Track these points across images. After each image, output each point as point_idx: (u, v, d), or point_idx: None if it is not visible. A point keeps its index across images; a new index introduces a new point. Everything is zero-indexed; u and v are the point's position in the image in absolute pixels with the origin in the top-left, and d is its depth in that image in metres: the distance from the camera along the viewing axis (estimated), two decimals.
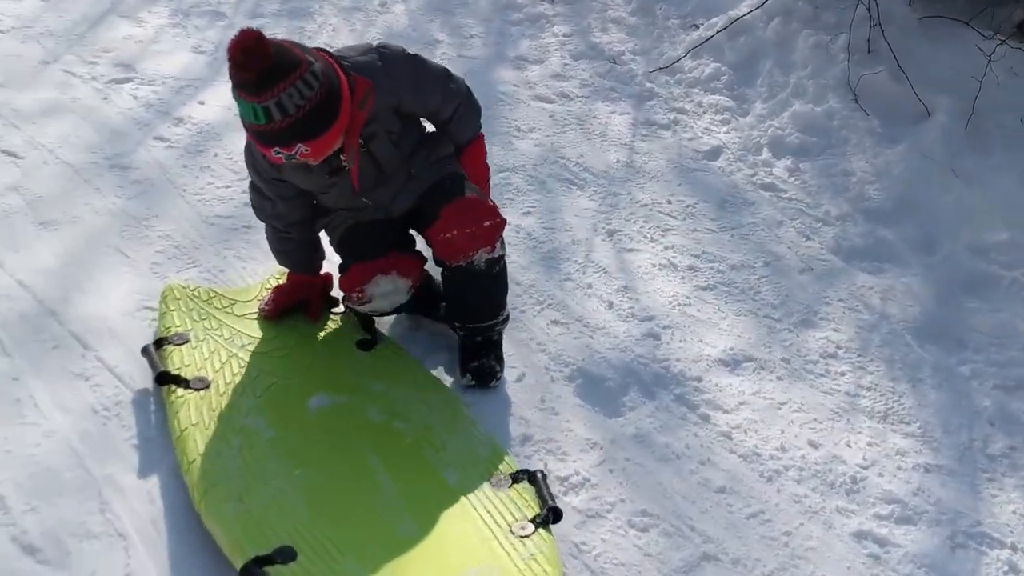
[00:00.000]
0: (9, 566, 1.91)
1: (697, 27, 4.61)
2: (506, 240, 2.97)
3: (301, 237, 2.51)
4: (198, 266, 2.82)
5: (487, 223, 2.39)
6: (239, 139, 3.51)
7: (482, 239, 2.38)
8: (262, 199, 2.44)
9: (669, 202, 3.42)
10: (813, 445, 2.47)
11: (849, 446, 2.49)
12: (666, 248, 3.18)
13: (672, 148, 3.77)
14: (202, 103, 3.70)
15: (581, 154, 3.65)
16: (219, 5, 4.47)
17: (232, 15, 4.40)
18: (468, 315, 2.48)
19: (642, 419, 2.48)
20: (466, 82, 2.50)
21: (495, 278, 2.46)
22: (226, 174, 3.27)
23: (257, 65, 1.96)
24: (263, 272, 2.78)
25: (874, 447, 2.49)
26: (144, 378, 2.37)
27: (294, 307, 2.57)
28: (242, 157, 3.30)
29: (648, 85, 4.16)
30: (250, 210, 2.98)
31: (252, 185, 2.46)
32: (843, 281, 3.12)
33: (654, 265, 3.08)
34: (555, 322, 2.76)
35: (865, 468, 2.43)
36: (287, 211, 2.44)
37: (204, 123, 3.56)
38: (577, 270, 3.00)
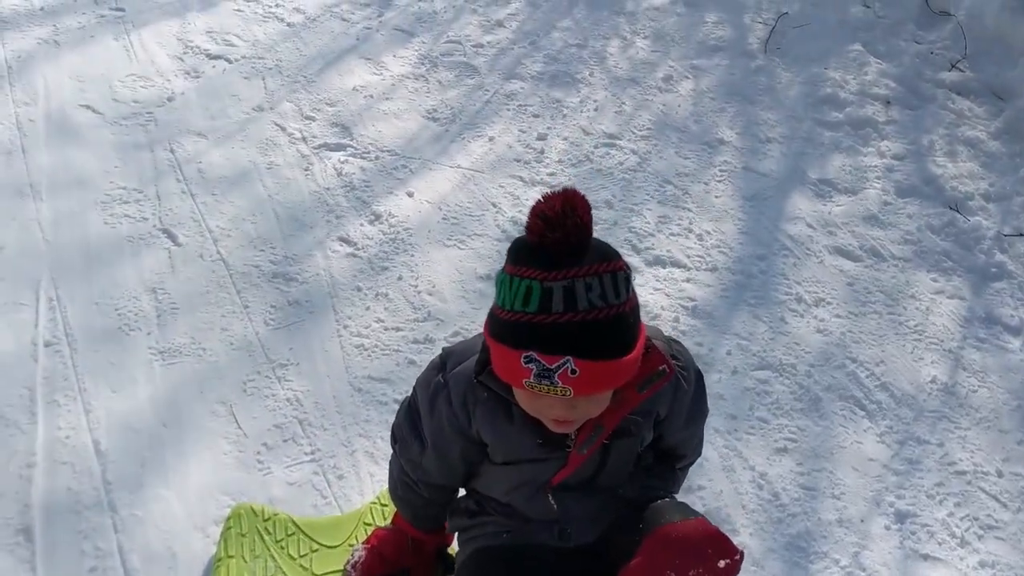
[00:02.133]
0: None
1: None
2: (741, 503, 2.07)
3: (432, 498, 1.73)
4: (315, 460, 2.12)
5: (723, 563, 1.48)
6: (436, 261, 2.78)
7: None
8: (412, 435, 1.64)
9: (1000, 474, 2.32)
10: None
11: None
12: (982, 564, 2.10)
13: (1019, 372, 2.63)
14: (411, 194, 3.01)
15: (881, 359, 2.61)
16: (474, 56, 3.78)
17: (486, 73, 3.70)
18: None
19: None
20: None
21: None
22: (403, 309, 2.56)
23: (566, 227, 1.31)
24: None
25: None
26: None
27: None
28: (428, 288, 2.63)
29: (998, 256, 3.00)
30: (410, 377, 2.28)
31: (410, 407, 1.66)
32: None
33: None
34: None
35: None
36: (432, 468, 1.65)
37: (403, 226, 2.87)
38: None
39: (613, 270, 1.34)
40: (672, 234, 2.97)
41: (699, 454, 1.80)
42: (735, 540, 2.02)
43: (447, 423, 1.56)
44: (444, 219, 2.93)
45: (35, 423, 2.11)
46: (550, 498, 1.58)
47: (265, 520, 1.91)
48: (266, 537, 1.88)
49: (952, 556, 2.11)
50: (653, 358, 1.46)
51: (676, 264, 2.84)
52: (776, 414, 2.39)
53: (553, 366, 1.31)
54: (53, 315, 2.40)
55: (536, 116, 3.48)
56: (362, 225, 2.87)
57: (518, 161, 3.23)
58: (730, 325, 2.64)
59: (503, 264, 1.37)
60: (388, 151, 3.21)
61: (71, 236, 2.66)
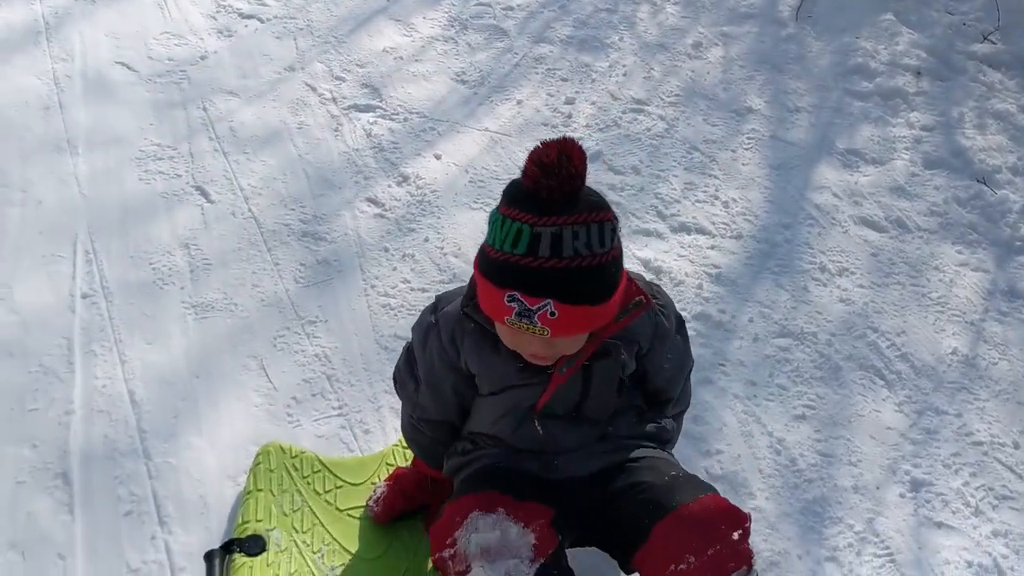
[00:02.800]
0: None
1: None
2: (758, 468, 2.12)
3: (435, 436, 1.81)
4: (343, 415, 2.18)
5: (735, 534, 1.52)
6: (462, 223, 2.80)
7: (734, 557, 1.51)
8: (408, 375, 1.75)
9: (1017, 446, 2.34)
10: None
11: None
12: (995, 533, 2.13)
13: None
14: (438, 157, 3.05)
15: (903, 329, 2.63)
16: (503, 19, 3.78)
17: (515, 36, 3.70)
18: None
19: None
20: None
21: None
22: (429, 270, 2.61)
23: (560, 175, 1.39)
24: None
25: None
26: None
27: (412, 511, 1.92)
28: (454, 251, 2.67)
29: None
30: None
31: (408, 350, 1.77)
32: None
33: (970, 564, 2.06)
34: None
35: None
36: (428, 404, 1.75)
37: (430, 188, 2.91)
38: (849, 544, 2.05)
39: (601, 220, 1.42)
40: (698, 201, 2.98)
41: (688, 403, 1.87)
42: (750, 504, 2.09)
43: (438, 358, 1.65)
44: (471, 182, 2.96)
45: (73, 372, 2.18)
46: (536, 424, 1.63)
47: (293, 457, 1.98)
48: (293, 473, 1.95)
49: (966, 525, 2.14)
50: (630, 289, 1.55)
51: (701, 231, 2.86)
52: (796, 381, 2.42)
53: (534, 307, 1.40)
54: (90, 268, 2.46)
55: (565, 80, 3.49)
56: (390, 187, 2.90)
57: (546, 125, 3.25)
58: (753, 293, 2.67)
59: (498, 203, 1.47)
60: (417, 113, 3.24)
61: (107, 191, 2.72)
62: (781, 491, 2.14)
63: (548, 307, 1.40)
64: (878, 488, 2.19)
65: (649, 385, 1.74)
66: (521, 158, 3.05)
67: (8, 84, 3.08)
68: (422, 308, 2.44)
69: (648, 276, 2.64)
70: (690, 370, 1.82)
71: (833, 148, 3.30)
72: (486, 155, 3.09)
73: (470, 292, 1.57)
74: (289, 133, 3.07)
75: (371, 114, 3.20)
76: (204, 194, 2.76)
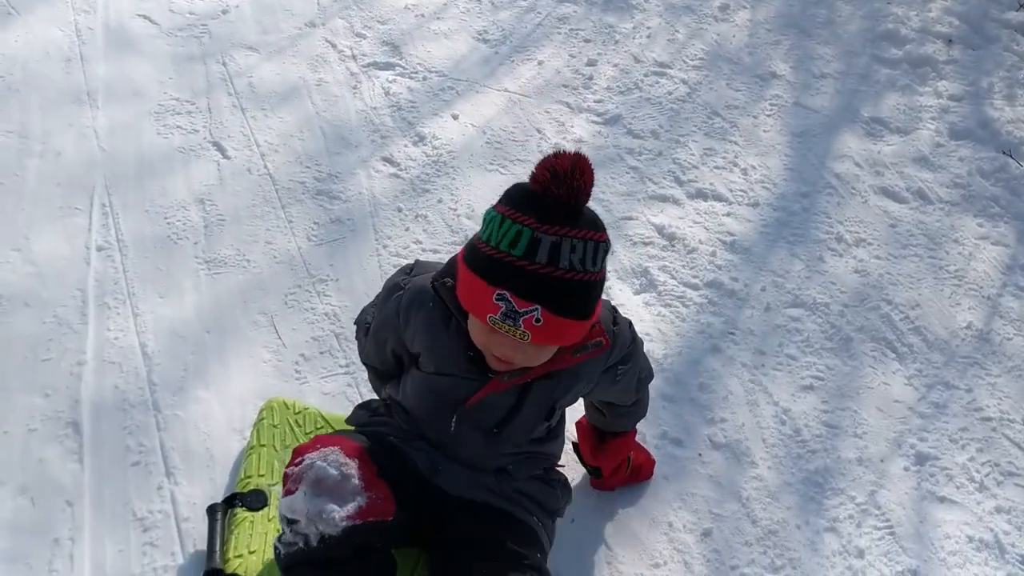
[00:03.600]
0: None
1: None
2: (762, 437, 2.12)
3: (380, 381, 1.86)
4: (349, 373, 2.20)
5: None
6: (477, 185, 2.80)
7: None
8: (362, 321, 1.82)
9: None
10: None
11: None
12: (997, 509, 2.12)
13: None
14: (455, 117, 3.03)
15: (917, 301, 2.60)
16: None
17: None
18: None
19: None
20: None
21: None
22: (441, 231, 2.61)
23: (570, 185, 1.42)
24: None
25: None
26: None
27: None
28: (467, 212, 2.68)
29: None
30: None
31: (375, 304, 1.79)
32: None
33: (970, 539, 2.05)
34: None
35: None
36: (372, 352, 1.81)
37: (446, 148, 2.90)
38: (849, 516, 2.05)
39: (598, 240, 1.44)
40: (716, 167, 2.96)
41: (651, 375, 1.88)
42: (752, 472, 2.09)
43: (389, 319, 1.68)
44: (487, 143, 2.95)
45: (86, 324, 2.21)
46: (453, 419, 1.64)
47: (296, 413, 2.01)
48: (296, 429, 1.97)
49: (969, 500, 2.13)
50: (593, 330, 1.57)
51: (718, 198, 2.84)
52: (805, 352, 2.41)
53: (522, 310, 1.41)
54: (106, 221, 2.48)
55: (587, 41, 3.45)
56: (406, 146, 2.90)
57: (566, 87, 3.22)
58: (767, 261, 2.65)
59: (496, 202, 1.47)
60: (436, 72, 3.22)
61: (125, 145, 2.74)
62: (784, 461, 2.14)
63: (536, 313, 1.41)
64: (882, 461, 2.18)
65: (600, 397, 1.83)
66: (540, 120, 3.07)
67: (31, 35, 3.10)
68: None
69: (662, 242, 2.63)
70: (647, 380, 1.87)
71: (857, 116, 3.25)
72: (504, 116, 3.07)
73: (446, 270, 1.57)
74: (307, 90, 3.07)
75: (390, 72, 3.19)
76: (221, 150, 2.78)
